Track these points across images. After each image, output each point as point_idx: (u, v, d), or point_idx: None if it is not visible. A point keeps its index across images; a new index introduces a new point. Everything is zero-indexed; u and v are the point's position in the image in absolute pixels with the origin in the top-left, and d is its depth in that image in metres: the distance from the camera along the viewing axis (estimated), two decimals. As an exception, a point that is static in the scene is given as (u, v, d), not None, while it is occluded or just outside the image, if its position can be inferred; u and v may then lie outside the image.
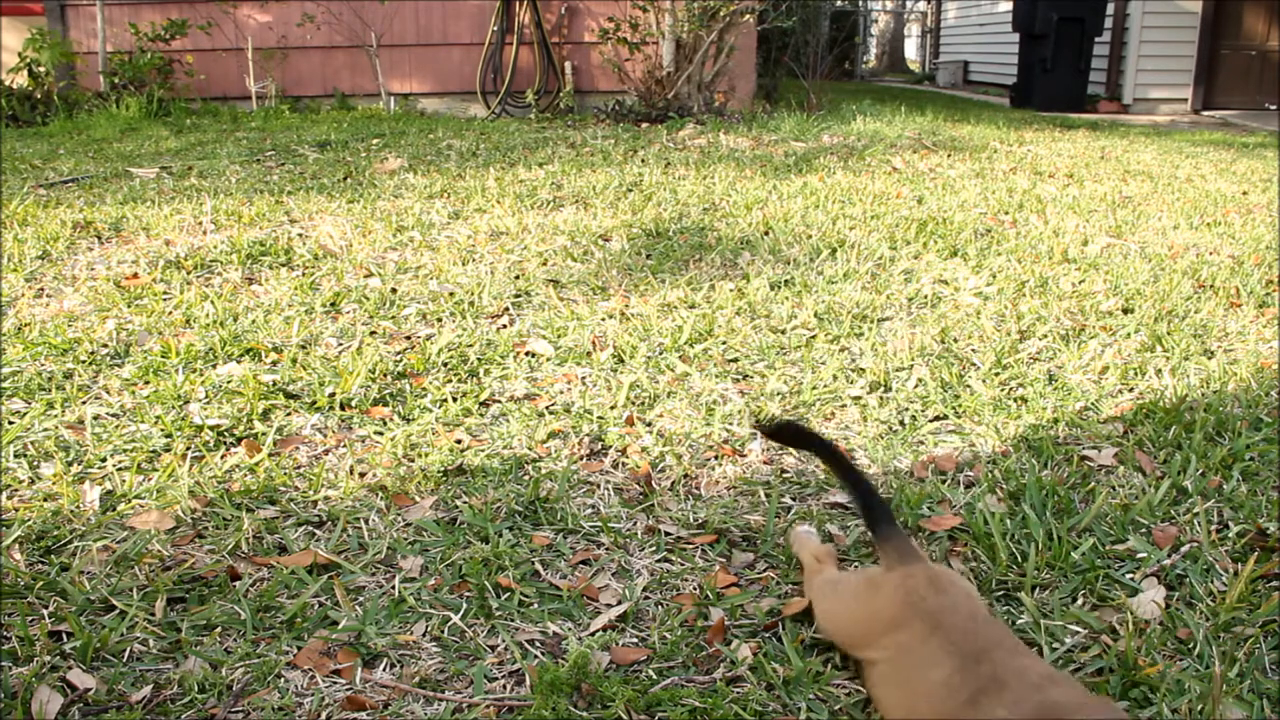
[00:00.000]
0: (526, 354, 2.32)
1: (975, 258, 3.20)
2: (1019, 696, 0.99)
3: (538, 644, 1.31)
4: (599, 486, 1.73)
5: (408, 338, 2.44)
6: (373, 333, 2.46)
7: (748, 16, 7.31)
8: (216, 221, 3.62)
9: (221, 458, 1.79)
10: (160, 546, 1.50)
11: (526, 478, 1.75)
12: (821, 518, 1.62)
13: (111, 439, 1.84)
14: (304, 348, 2.32)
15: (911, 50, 21.91)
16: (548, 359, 2.29)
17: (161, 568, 1.46)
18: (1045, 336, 2.47)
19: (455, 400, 2.05)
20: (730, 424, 1.97)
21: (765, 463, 1.83)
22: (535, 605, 1.39)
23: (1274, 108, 10.37)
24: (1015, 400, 2.09)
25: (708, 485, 1.74)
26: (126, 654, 1.27)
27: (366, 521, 1.60)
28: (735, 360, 2.31)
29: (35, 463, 1.75)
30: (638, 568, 1.49)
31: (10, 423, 1.89)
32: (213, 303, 2.61)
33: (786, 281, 2.92)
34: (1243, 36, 10.46)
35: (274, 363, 2.23)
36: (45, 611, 1.34)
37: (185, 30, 7.63)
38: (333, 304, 2.67)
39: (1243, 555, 1.50)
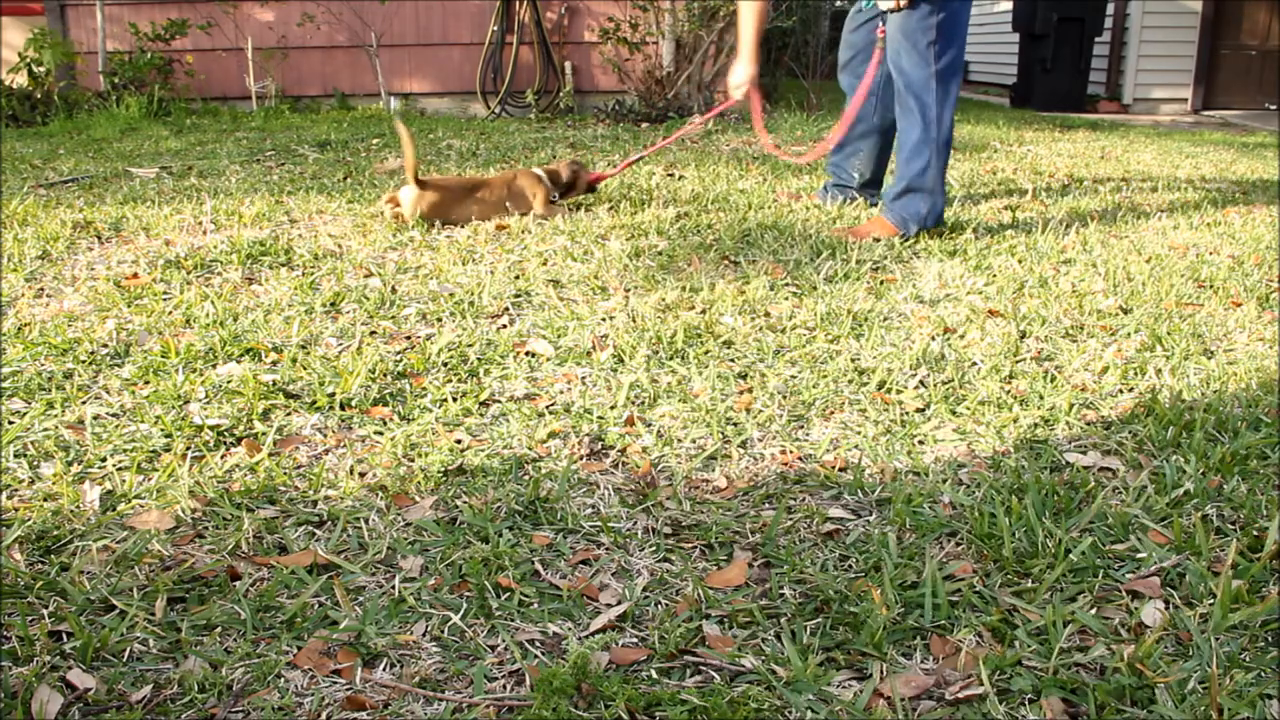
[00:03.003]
0: (526, 354, 2.32)
1: (975, 257, 3.20)
2: None
3: (538, 644, 1.31)
4: (599, 486, 1.73)
5: (408, 338, 2.44)
6: (373, 333, 2.46)
7: (748, 16, 7.29)
8: (216, 221, 3.62)
9: (221, 458, 1.79)
10: (160, 546, 1.50)
11: (526, 478, 1.75)
12: (822, 516, 1.62)
13: (111, 439, 1.84)
14: (304, 348, 2.32)
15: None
16: (548, 359, 2.29)
17: (161, 568, 1.46)
18: (1045, 336, 2.47)
19: (455, 400, 2.05)
20: (730, 424, 1.97)
21: (767, 462, 1.83)
22: (535, 605, 1.39)
23: (1274, 108, 10.37)
24: (1015, 400, 2.09)
25: (708, 485, 1.74)
26: (126, 654, 1.27)
27: (366, 521, 1.60)
28: (735, 360, 2.31)
29: (35, 463, 1.75)
30: (638, 568, 1.49)
31: (10, 423, 1.89)
32: (213, 303, 2.61)
33: (786, 281, 2.92)
34: (1243, 36, 10.46)
35: (274, 363, 2.23)
36: (45, 611, 1.34)
37: (185, 30, 7.64)
38: (333, 304, 2.67)
39: (1243, 555, 1.50)
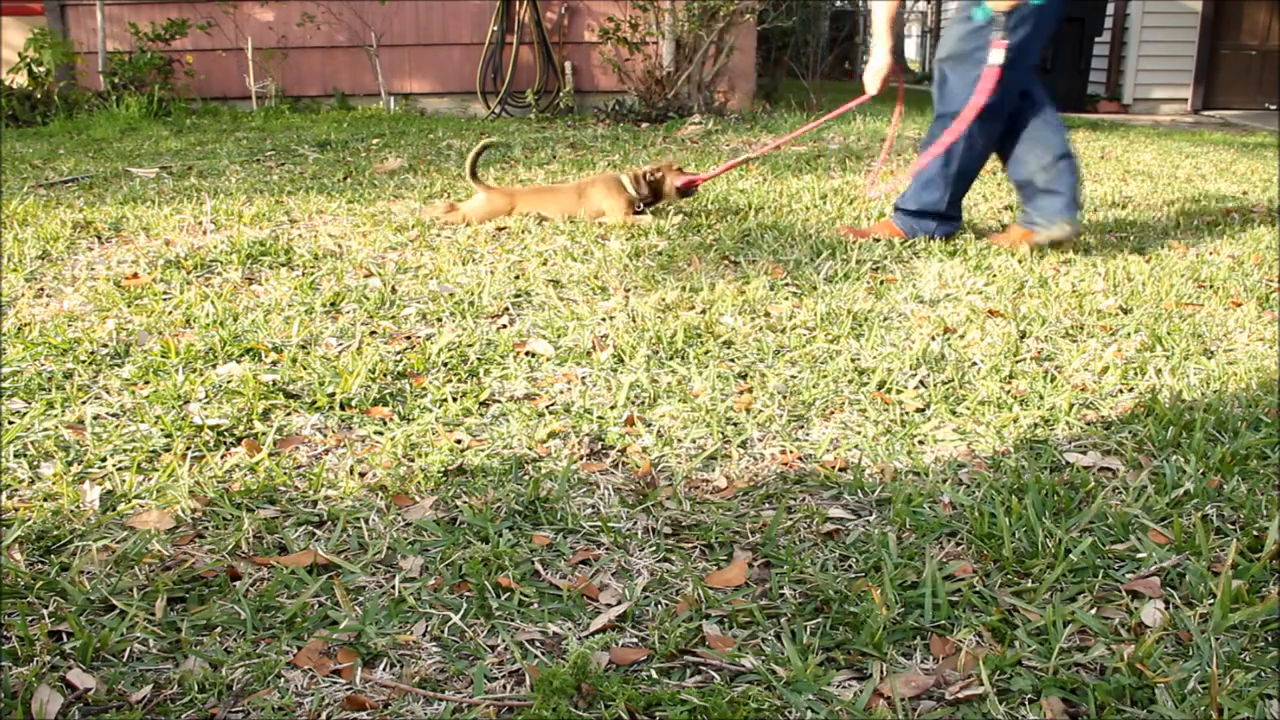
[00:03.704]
0: (526, 354, 2.32)
1: (975, 257, 3.20)
2: None
3: (538, 644, 1.31)
4: (599, 486, 1.73)
5: (408, 338, 2.44)
6: (373, 333, 2.46)
7: (748, 16, 7.31)
8: (216, 221, 3.62)
9: (221, 458, 1.79)
10: (160, 546, 1.50)
11: (526, 478, 1.75)
12: (822, 516, 1.62)
13: (111, 439, 1.84)
14: (304, 348, 2.32)
15: (911, 50, 21.90)
16: (548, 359, 2.29)
17: (161, 568, 1.46)
18: (1045, 336, 2.47)
19: (455, 400, 2.05)
20: (730, 424, 1.97)
21: (767, 462, 1.83)
22: (535, 605, 1.39)
23: (1274, 108, 10.37)
24: (1015, 400, 2.09)
25: (708, 485, 1.74)
26: (126, 654, 1.27)
27: (366, 521, 1.60)
28: (735, 360, 2.31)
29: (35, 463, 1.75)
30: (638, 568, 1.49)
31: (10, 423, 1.89)
32: (213, 303, 2.61)
33: (786, 281, 2.92)
34: (1243, 36, 10.46)
35: (274, 363, 2.23)
36: (45, 611, 1.34)
37: (185, 30, 7.64)
38: (333, 304, 2.67)
39: (1243, 555, 1.50)
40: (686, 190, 3.72)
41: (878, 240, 3.38)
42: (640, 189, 3.60)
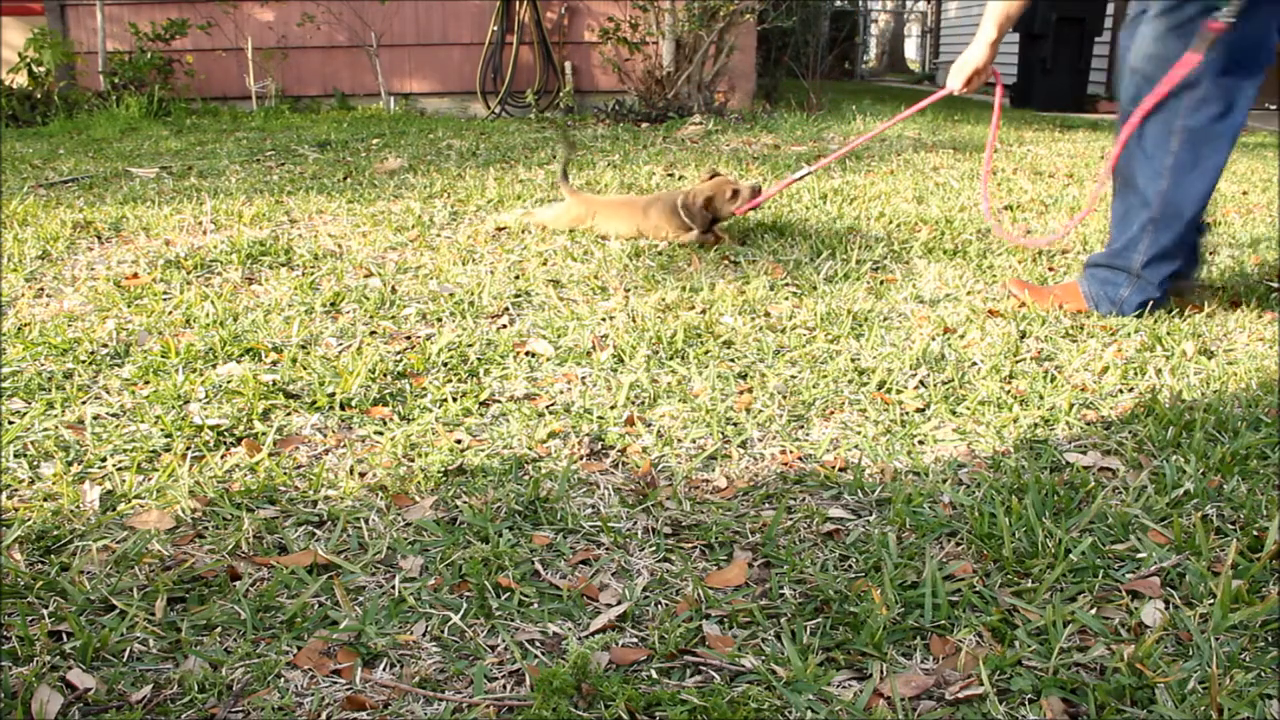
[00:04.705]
0: (526, 354, 2.32)
1: (975, 258, 3.20)
2: None
3: (538, 644, 1.31)
4: (599, 486, 1.73)
5: (408, 338, 2.44)
6: (373, 333, 2.46)
7: (748, 16, 7.31)
8: (216, 221, 3.62)
9: (221, 458, 1.79)
10: (160, 546, 1.50)
11: (526, 478, 1.75)
12: (822, 516, 1.62)
13: (111, 439, 1.84)
14: (304, 348, 2.32)
15: (911, 50, 21.91)
16: (548, 359, 2.29)
17: (161, 568, 1.46)
18: (1045, 336, 2.47)
19: (455, 400, 2.05)
20: (730, 424, 1.97)
21: (767, 462, 1.83)
22: (535, 605, 1.39)
23: (1274, 108, 10.37)
24: (1015, 400, 2.09)
25: (708, 485, 1.74)
26: (126, 654, 1.27)
27: (366, 521, 1.60)
28: (735, 360, 2.31)
29: (35, 463, 1.75)
30: (638, 568, 1.49)
31: (10, 423, 1.89)
32: (213, 303, 2.61)
33: (786, 281, 2.92)
34: (1243, 36, 10.43)
35: (274, 363, 2.23)
36: (45, 611, 1.34)
37: (185, 30, 7.64)
38: (333, 304, 2.67)
39: (1243, 555, 1.50)
40: (749, 210, 3.44)
41: (1062, 308, 2.67)
42: (694, 219, 3.33)
